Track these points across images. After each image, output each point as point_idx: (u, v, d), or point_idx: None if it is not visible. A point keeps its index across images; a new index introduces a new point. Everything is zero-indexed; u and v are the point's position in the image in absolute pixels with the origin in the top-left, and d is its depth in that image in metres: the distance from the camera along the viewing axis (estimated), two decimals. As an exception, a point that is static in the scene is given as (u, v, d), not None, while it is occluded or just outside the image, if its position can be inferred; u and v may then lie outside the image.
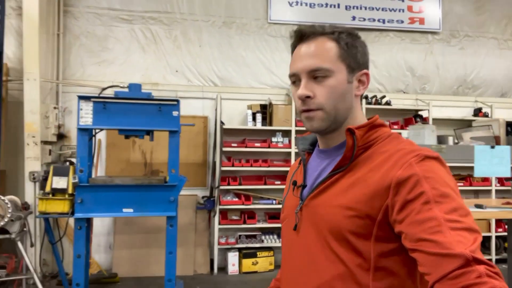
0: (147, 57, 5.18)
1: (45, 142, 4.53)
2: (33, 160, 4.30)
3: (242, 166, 5.04)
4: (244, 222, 5.03)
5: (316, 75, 1.07)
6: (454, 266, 0.82)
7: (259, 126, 5.05)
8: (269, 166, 5.09)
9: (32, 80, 4.28)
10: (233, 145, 5.06)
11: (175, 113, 3.95)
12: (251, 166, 5.03)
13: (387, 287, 0.98)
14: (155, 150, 5.13)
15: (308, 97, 1.07)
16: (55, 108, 4.71)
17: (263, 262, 5.03)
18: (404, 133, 5.56)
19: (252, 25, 5.44)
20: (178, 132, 3.95)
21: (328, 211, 1.03)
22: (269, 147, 5.05)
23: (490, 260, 3.36)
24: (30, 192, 4.32)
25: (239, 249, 5.02)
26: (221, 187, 4.98)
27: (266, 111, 5.11)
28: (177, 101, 3.86)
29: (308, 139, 1.25)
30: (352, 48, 1.09)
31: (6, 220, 3.37)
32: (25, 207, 4.17)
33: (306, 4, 5.53)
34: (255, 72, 5.40)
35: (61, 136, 4.89)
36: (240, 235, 5.03)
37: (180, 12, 5.26)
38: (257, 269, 5.00)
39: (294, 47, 1.14)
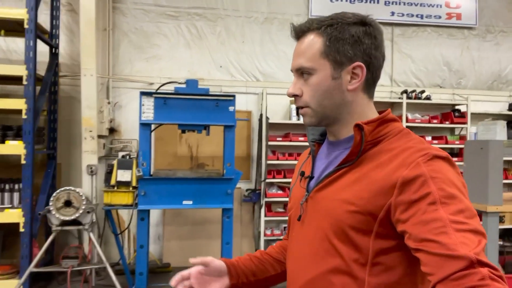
0: (193, 52, 5.29)
1: (99, 136, 4.66)
2: (90, 153, 4.44)
3: (287, 160, 5.16)
4: (288, 214, 5.17)
5: (302, 73, 1.08)
6: (457, 267, 0.82)
7: (302, 120, 5.15)
8: (311, 160, 5.20)
9: (89, 76, 4.40)
10: (278, 139, 5.19)
11: (231, 108, 4.08)
12: (295, 159, 5.16)
13: (383, 283, 0.98)
14: (200, 144, 5.26)
15: (296, 95, 1.09)
16: (108, 103, 4.84)
17: (306, 253, 5.17)
18: (440, 127, 5.63)
19: (293, 21, 5.51)
20: (234, 126, 4.08)
21: (331, 205, 1.03)
22: (312, 141, 5.16)
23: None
24: (87, 185, 4.46)
25: (283, 240, 5.16)
26: (267, 180, 5.12)
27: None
28: (233, 96, 3.98)
29: (319, 129, 1.22)
30: (337, 42, 1.04)
31: (81, 211, 3.51)
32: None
33: (347, 0, 5.62)
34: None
35: (111, 130, 5.03)
36: (284, 227, 5.18)
37: (224, 8, 5.36)
38: (300, 260, 5.14)
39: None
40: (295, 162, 5.19)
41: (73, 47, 4.99)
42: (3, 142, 3.95)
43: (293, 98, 1.14)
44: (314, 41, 1.06)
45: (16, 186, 4.21)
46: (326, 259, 1.02)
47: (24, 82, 3.83)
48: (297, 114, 5.18)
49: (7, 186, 4.16)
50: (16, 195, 4.22)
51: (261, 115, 5.23)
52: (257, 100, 5.39)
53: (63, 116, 4.87)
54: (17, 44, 4.80)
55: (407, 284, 1.00)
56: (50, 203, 3.57)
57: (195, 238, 5.03)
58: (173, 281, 1.22)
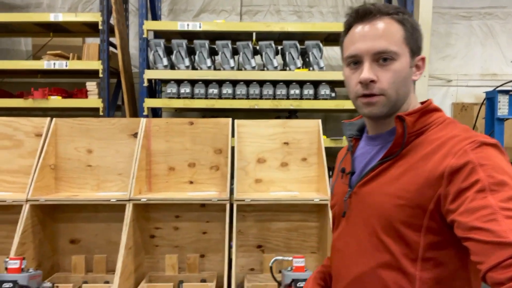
0: (485, 50, 5.58)
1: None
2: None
3: None
4: None
5: (381, 57, 1.02)
6: (508, 254, 0.79)
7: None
8: None
9: (422, 77, 4.87)
10: None
11: None
12: None
13: (434, 278, 0.95)
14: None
15: (372, 81, 1.02)
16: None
17: None
18: None
19: None
20: None
21: (377, 199, 1.01)
22: None
23: None
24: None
25: None
26: None
27: None
28: None
29: (356, 125, 1.20)
30: (415, 32, 1.06)
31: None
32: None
33: None
34: None
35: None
36: None
37: (512, 6, 5.56)
38: None
39: (349, 25, 1.08)
40: None
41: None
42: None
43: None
44: (394, 26, 1.03)
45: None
46: (375, 254, 1.00)
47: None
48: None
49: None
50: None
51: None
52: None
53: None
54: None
55: (459, 279, 0.97)
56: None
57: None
58: None
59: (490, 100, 4.37)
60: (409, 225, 0.95)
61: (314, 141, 3.01)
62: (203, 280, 2.67)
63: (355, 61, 1.05)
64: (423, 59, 1.09)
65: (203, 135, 2.94)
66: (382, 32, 1.02)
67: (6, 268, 1.90)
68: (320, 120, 3.02)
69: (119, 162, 2.88)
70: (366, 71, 1.01)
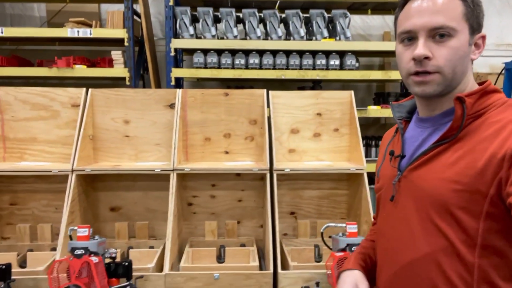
0: (501, 19, 5.56)
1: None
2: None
3: None
4: None
5: (438, 33, 0.98)
6: None
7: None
8: None
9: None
10: None
11: None
12: None
13: (493, 265, 0.93)
14: None
15: (426, 58, 0.98)
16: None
17: None
18: None
19: None
20: None
21: (432, 184, 0.98)
22: None
23: None
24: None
25: None
26: None
27: None
28: None
29: (406, 106, 1.17)
30: (477, 8, 1.01)
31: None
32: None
33: None
34: None
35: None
36: None
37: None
38: None
39: (405, 0, 1.05)
40: None
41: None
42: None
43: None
44: (453, 1, 0.99)
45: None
46: (430, 240, 0.97)
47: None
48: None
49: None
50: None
51: None
52: None
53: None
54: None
55: None
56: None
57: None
58: None
59: (509, 71, 4.39)
60: (467, 211, 0.92)
61: (347, 112, 3.06)
62: (242, 245, 2.79)
63: (409, 37, 1.01)
64: (483, 37, 1.05)
65: (238, 106, 2.98)
66: (441, 7, 0.98)
67: (70, 236, 1.98)
68: (352, 91, 3.06)
69: (156, 132, 2.94)
70: (421, 47, 0.97)
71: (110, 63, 3.87)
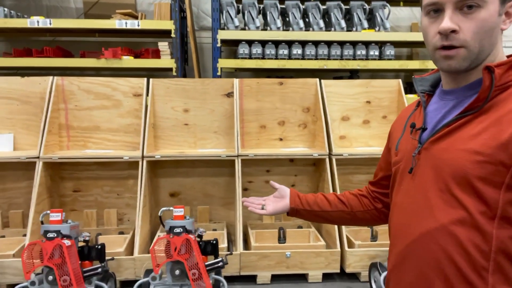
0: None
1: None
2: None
3: None
4: None
5: (466, 5, 0.92)
6: None
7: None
8: None
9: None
10: None
11: None
12: None
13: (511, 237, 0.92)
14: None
15: (453, 31, 0.93)
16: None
17: None
18: None
19: None
20: None
21: (453, 155, 0.96)
22: None
23: None
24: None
25: None
26: None
27: None
28: None
29: (429, 80, 1.14)
30: None
31: None
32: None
33: None
34: None
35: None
36: None
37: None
38: None
39: None
40: None
41: None
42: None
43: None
44: None
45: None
46: (448, 210, 0.96)
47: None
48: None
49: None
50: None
51: None
52: None
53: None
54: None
55: None
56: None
57: None
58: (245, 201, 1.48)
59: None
60: (488, 182, 0.91)
61: (395, 99, 3.19)
62: (300, 227, 2.94)
63: (435, 9, 0.96)
64: None
65: (292, 95, 3.11)
66: None
67: (42, 222, 2.05)
68: (400, 80, 3.18)
69: (214, 120, 3.07)
70: (447, 20, 0.93)
71: (153, 54, 3.98)
